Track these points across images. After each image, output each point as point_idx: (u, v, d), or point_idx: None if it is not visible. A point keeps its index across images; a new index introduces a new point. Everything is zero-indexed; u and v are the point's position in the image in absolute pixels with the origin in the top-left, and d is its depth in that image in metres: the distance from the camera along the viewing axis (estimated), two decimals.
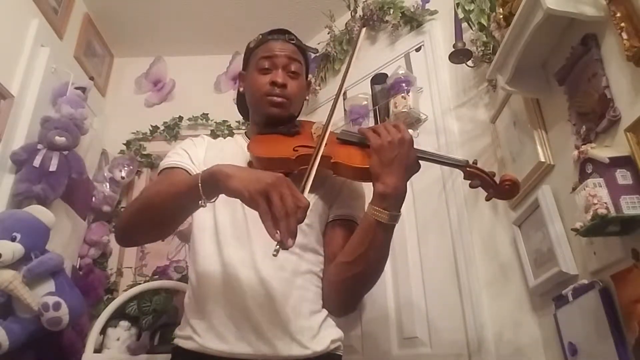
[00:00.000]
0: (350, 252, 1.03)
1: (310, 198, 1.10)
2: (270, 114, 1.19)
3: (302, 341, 0.99)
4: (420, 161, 1.05)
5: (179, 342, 1.05)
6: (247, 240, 1.05)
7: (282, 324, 0.99)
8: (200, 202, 0.89)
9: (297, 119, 1.27)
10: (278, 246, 0.77)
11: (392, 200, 0.98)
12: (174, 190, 0.96)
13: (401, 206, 1.01)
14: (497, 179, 1.04)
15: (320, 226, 1.14)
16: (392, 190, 0.98)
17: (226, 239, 1.06)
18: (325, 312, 1.08)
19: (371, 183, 1.03)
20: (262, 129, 1.21)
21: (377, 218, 0.98)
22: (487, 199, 1.07)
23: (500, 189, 1.03)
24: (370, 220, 0.99)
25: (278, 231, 0.76)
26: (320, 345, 1.01)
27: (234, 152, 1.19)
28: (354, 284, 1.05)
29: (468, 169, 1.06)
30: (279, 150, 1.10)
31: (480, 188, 1.06)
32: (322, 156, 1.02)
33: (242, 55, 1.32)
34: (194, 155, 1.17)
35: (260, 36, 1.25)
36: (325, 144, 1.06)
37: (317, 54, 1.52)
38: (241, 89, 1.29)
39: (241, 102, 1.33)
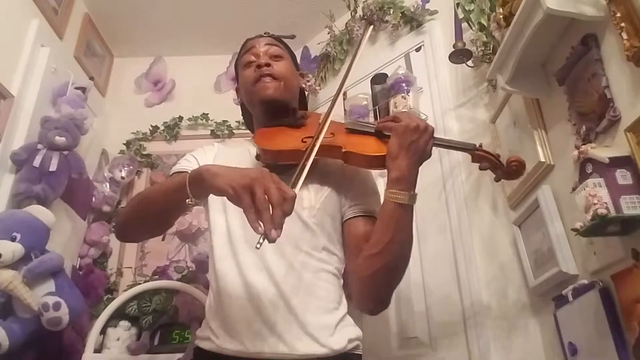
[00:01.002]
0: (376, 243, 1.01)
1: (319, 197, 1.12)
2: (264, 97, 1.19)
3: (319, 339, 0.99)
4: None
5: (199, 343, 1.07)
6: (247, 247, 1.06)
7: (298, 322, 0.99)
8: (187, 200, 0.91)
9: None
10: (262, 239, 0.76)
11: (407, 182, 1.00)
12: (165, 188, 1.02)
13: (415, 186, 1.02)
14: (503, 161, 1.09)
15: (332, 224, 1.12)
16: (406, 173, 1.00)
17: (238, 242, 1.07)
18: (342, 311, 1.07)
19: (381, 174, 1.05)
20: (266, 122, 1.22)
21: (398, 200, 0.98)
22: (496, 180, 1.13)
23: (507, 169, 1.08)
24: (390, 206, 0.99)
25: (261, 224, 0.76)
26: (337, 343, 1.00)
27: (241, 156, 1.19)
28: (386, 275, 1.03)
29: (477, 152, 1.09)
30: (287, 142, 1.10)
31: (488, 173, 1.12)
32: (333, 147, 1.03)
33: None
34: (202, 161, 1.19)
35: (241, 45, 1.31)
36: (334, 134, 1.08)
37: (294, 38, 1.56)
38: (239, 100, 1.32)
39: (244, 115, 1.36)
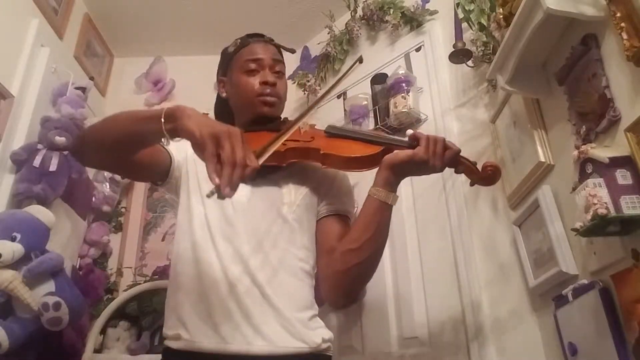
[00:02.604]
0: (356, 238, 1.05)
1: (299, 194, 1.14)
2: (262, 113, 1.20)
3: (295, 334, 1.00)
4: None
5: (168, 343, 1.04)
6: (234, 236, 1.06)
7: (276, 316, 1.00)
8: (163, 139, 0.90)
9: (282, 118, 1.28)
10: (214, 191, 0.75)
11: (394, 185, 1.06)
12: (136, 114, 0.97)
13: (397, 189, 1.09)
14: (479, 167, 1.11)
15: (310, 223, 1.14)
16: (396, 179, 1.06)
17: (216, 233, 1.07)
18: (314, 310, 1.08)
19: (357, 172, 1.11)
20: (249, 126, 1.22)
21: (383, 199, 1.04)
22: (471, 184, 1.14)
23: (482, 174, 1.10)
24: (376, 204, 1.04)
25: (218, 177, 0.75)
26: (313, 340, 1.02)
27: None
28: (360, 270, 1.07)
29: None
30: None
31: (470, 181, 1.14)
32: (311, 149, 1.08)
33: None
34: (182, 148, 1.18)
35: (239, 40, 1.27)
36: (313, 138, 1.12)
37: (294, 53, 1.55)
38: (223, 95, 1.28)
39: (221, 108, 1.32)
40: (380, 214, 1.04)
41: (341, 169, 1.15)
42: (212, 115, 2.61)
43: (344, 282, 1.08)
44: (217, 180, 0.75)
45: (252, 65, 1.21)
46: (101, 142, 1.00)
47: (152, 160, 1.11)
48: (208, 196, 0.76)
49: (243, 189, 1.11)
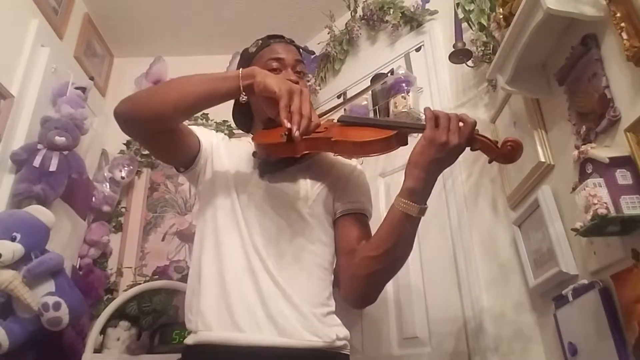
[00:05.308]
0: (377, 246, 1.03)
1: (315, 189, 1.15)
2: None
3: (309, 328, 1.00)
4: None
5: (187, 340, 1.05)
6: (251, 229, 1.08)
7: (292, 311, 1.01)
8: (240, 97, 1.00)
9: None
10: (285, 133, 0.92)
11: (421, 195, 0.98)
12: (210, 76, 1.04)
13: (427, 198, 1.00)
14: (499, 144, 1.00)
15: (324, 217, 1.14)
16: (422, 185, 0.97)
17: (240, 225, 1.08)
18: (331, 307, 1.08)
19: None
20: (267, 124, 1.23)
21: (407, 211, 0.97)
22: (490, 161, 1.03)
23: (502, 150, 0.99)
24: (398, 214, 0.98)
25: (290, 123, 0.90)
26: (327, 335, 1.01)
27: (242, 149, 1.22)
28: (381, 276, 1.06)
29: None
30: (280, 137, 1.12)
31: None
32: (323, 138, 1.08)
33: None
34: (207, 138, 1.20)
35: (260, 41, 1.28)
36: (327, 129, 1.11)
37: (315, 55, 1.53)
38: None
39: (239, 106, 1.32)
40: (402, 225, 0.99)
41: (353, 154, 1.15)
42: (212, 115, 2.61)
43: (363, 286, 1.06)
44: (288, 124, 0.90)
45: (274, 64, 1.21)
46: (162, 101, 1.03)
47: (187, 140, 1.14)
48: (282, 136, 0.93)
49: (260, 183, 1.13)
